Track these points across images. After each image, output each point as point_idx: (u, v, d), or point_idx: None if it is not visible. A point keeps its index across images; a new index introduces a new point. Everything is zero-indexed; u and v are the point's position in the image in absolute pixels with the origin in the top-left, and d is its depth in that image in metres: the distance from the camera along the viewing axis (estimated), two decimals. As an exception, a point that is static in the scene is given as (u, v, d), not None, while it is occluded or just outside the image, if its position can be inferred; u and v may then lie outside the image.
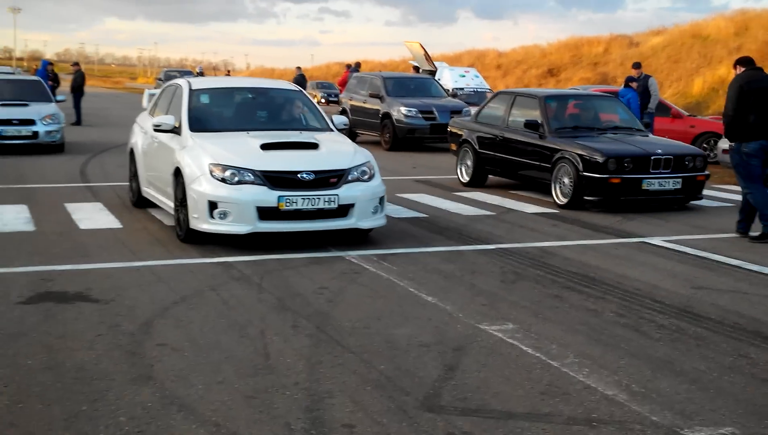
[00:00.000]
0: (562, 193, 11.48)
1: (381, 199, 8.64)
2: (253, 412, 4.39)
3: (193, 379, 4.83)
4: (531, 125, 12.15)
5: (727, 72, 37.94)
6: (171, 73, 51.11)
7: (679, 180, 11.22)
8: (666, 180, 11.16)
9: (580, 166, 11.12)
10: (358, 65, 25.34)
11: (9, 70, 32.21)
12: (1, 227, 9.29)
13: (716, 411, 4.51)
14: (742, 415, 4.47)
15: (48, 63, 27.10)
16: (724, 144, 14.61)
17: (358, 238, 8.75)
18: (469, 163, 13.67)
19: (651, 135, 13.04)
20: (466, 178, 13.72)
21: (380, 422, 4.29)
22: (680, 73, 40.70)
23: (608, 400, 4.64)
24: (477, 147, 13.43)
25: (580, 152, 11.23)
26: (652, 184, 11.12)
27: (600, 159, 10.97)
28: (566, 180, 11.37)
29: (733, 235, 9.64)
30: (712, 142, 17.31)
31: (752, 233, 9.50)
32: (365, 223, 8.48)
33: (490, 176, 13.58)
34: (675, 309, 6.53)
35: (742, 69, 9.71)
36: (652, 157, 11.14)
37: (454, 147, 14.33)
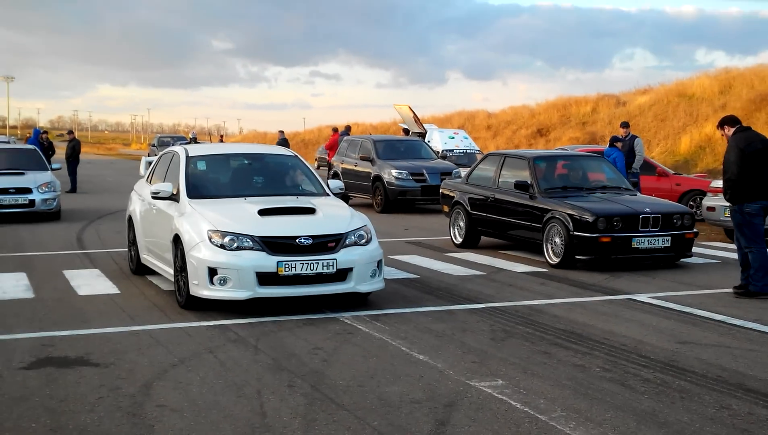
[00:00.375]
0: (554, 252, 11.63)
1: (379, 263, 8.81)
2: (252, 468, 4.55)
3: (192, 439, 5.00)
4: (521, 186, 12.39)
5: (713, 130, 38.49)
6: (164, 139, 51.74)
7: (668, 238, 11.40)
8: (655, 238, 11.34)
9: (571, 226, 11.31)
10: (348, 129, 25.77)
11: (4, 139, 32.59)
12: (1, 295, 9.46)
13: (697, 460, 4.69)
14: (721, 463, 4.65)
15: (40, 131, 27.48)
16: (708, 201, 14.93)
17: (356, 301, 8.91)
18: (461, 224, 13.85)
19: (639, 194, 13.28)
20: (459, 240, 13.88)
21: (374, 476, 4.46)
22: (667, 131, 41.26)
23: (593, 451, 4.81)
24: (469, 208, 13.63)
25: (570, 212, 11.44)
26: (642, 242, 11.30)
27: (590, 218, 11.17)
28: (557, 240, 11.54)
29: (719, 290, 9.87)
30: (698, 199, 17.62)
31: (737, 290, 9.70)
32: (364, 287, 8.64)
33: (483, 237, 13.76)
34: (660, 363, 6.72)
35: (731, 129, 9.92)
36: (641, 216, 11.34)
37: (446, 208, 14.51)
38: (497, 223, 13.04)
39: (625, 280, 10.59)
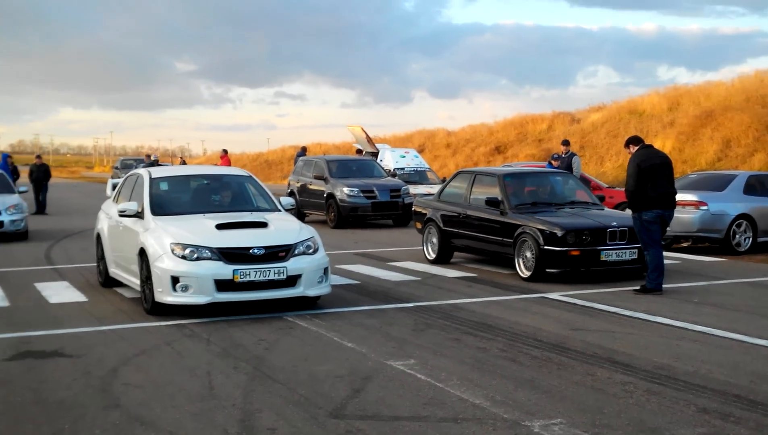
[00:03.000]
0: (525, 266, 11.99)
1: (325, 270, 9.92)
2: (199, 424, 5.71)
3: (152, 405, 6.15)
4: (492, 202, 12.75)
5: (662, 145, 40.14)
6: (127, 161, 52.49)
7: (635, 250, 11.67)
8: (623, 251, 11.70)
9: (541, 240, 11.64)
10: (304, 149, 27.02)
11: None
12: (-21, 303, 10.52)
13: (553, 410, 5.92)
14: (572, 412, 5.88)
15: (7, 156, 28.41)
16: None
17: (305, 304, 9.99)
18: (434, 240, 14.21)
19: (606, 208, 13.63)
20: (432, 256, 14.21)
21: (296, 426, 5.64)
22: (619, 147, 42.70)
23: (474, 406, 6.03)
24: (441, 225, 14.01)
25: (540, 227, 11.77)
26: (610, 255, 11.65)
27: (559, 233, 11.54)
28: (528, 254, 11.89)
29: (624, 289, 11.13)
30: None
31: (635, 287, 11.01)
32: (312, 292, 9.73)
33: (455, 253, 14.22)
34: (549, 345, 7.97)
35: (635, 147, 11.31)
36: (608, 230, 11.72)
37: (419, 226, 14.88)
38: (470, 238, 13.45)
39: (545, 284, 11.72)
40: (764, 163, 33.90)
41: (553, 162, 19.17)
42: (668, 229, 11.56)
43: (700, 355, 7.52)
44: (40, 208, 27.22)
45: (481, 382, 6.66)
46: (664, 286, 11.08)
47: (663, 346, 7.90)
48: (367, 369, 7.14)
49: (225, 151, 31.29)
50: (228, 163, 28.17)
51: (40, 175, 27.98)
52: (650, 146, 11.46)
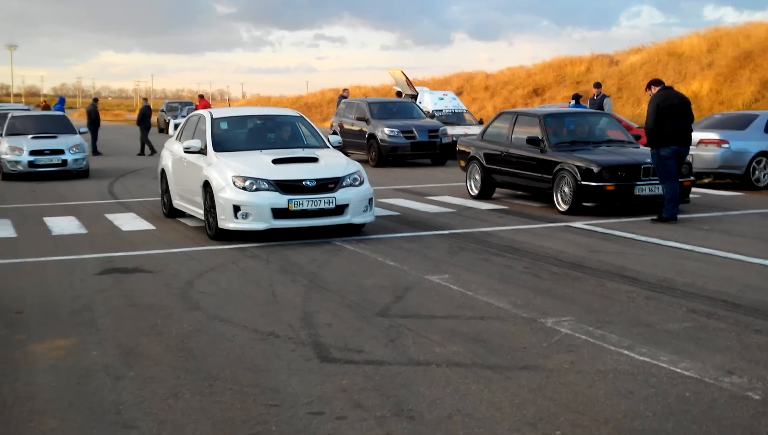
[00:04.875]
0: (563, 200, 12.74)
1: (370, 200, 11.02)
2: (268, 320, 6.88)
3: (226, 308, 7.34)
4: (532, 141, 13.50)
5: (700, 87, 40.54)
6: (173, 104, 53.85)
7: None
8: (656, 186, 12.25)
9: (578, 176, 12.38)
10: (346, 91, 28.03)
11: (24, 107, 34.73)
12: (61, 231, 11.80)
13: (565, 311, 7.00)
14: (581, 312, 6.96)
15: (65, 99, 29.88)
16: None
17: (352, 231, 11.07)
18: (477, 177, 15.01)
19: (640, 146, 14.19)
20: (475, 191, 15.04)
21: (348, 322, 6.79)
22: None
23: (499, 308, 7.14)
24: (484, 162, 14.78)
25: (578, 164, 12.50)
26: (644, 190, 12.35)
27: (596, 169, 12.26)
28: (566, 189, 12.63)
29: (643, 219, 12.09)
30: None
31: (653, 217, 11.98)
32: (358, 219, 10.84)
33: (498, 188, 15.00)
34: (568, 263, 9.03)
35: (657, 88, 12.21)
36: (642, 166, 12.36)
37: (462, 163, 15.67)
38: (511, 175, 14.24)
39: (571, 215, 12.72)
40: (801, 104, 34.25)
41: (579, 100, 20.11)
42: (692, 166, 12.28)
43: (699, 270, 8.54)
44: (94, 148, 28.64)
45: (505, 291, 7.75)
46: (680, 216, 12.04)
47: (668, 264, 8.92)
48: (408, 282, 8.26)
49: (201, 96, 33.91)
50: (206, 106, 30.60)
51: (97, 117, 29.47)
52: (670, 88, 12.33)
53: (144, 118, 29.38)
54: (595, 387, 5.17)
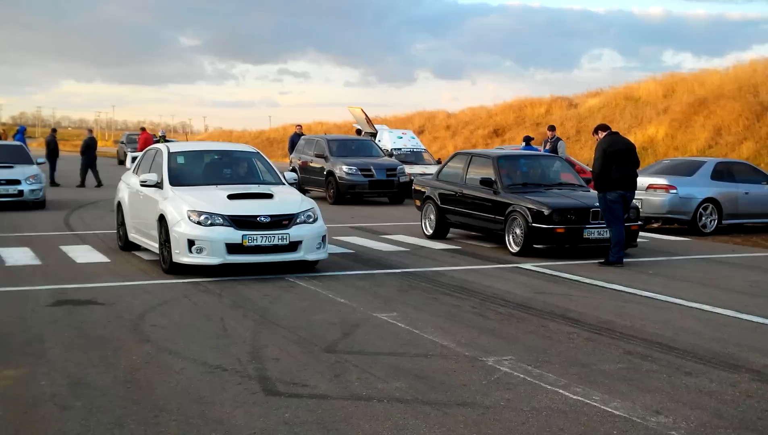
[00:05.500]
0: (514, 242, 13.02)
1: (323, 237, 11.22)
2: (217, 354, 7.02)
3: (176, 341, 7.46)
4: (486, 182, 13.83)
5: (655, 131, 41.42)
6: (132, 136, 53.65)
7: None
8: (605, 229, 12.53)
9: (530, 218, 12.67)
10: (299, 128, 28.33)
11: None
12: (15, 262, 11.83)
13: (506, 350, 7.23)
14: (521, 352, 7.19)
15: (25, 128, 29.82)
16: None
17: (305, 268, 11.23)
18: (432, 217, 15.26)
19: (591, 190, 14.26)
20: (429, 231, 15.27)
21: (296, 357, 6.95)
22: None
23: (443, 346, 7.34)
24: (439, 202, 15.05)
25: (529, 206, 12.79)
26: (593, 233, 12.68)
27: (546, 211, 12.58)
28: (518, 231, 12.92)
29: (590, 262, 12.41)
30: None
31: (600, 260, 12.30)
32: (311, 256, 11.03)
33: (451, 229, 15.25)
34: (514, 304, 9.27)
35: (603, 133, 12.62)
36: (591, 210, 12.68)
37: (418, 203, 15.91)
38: (464, 216, 14.49)
39: (521, 257, 13.02)
40: (753, 151, 35.12)
41: (531, 143, 20.72)
42: (640, 210, 12.60)
43: (639, 313, 8.84)
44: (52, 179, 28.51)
45: (451, 330, 7.96)
46: (627, 259, 12.38)
47: (611, 306, 9.21)
48: (356, 319, 8.44)
49: (143, 129, 34.49)
50: (147, 138, 30.85)
51: (56, 147, 29.41)
52: (616, 133, 12.75)
53: (88, 148, 29.08)
54: (528, 424, 5.38)
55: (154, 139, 29.90)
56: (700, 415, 5.58)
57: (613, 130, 12.96)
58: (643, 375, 6.54)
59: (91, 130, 31.17)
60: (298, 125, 28.70)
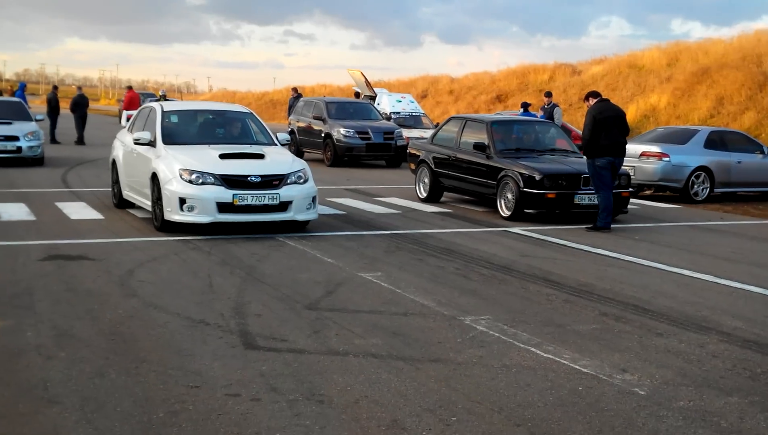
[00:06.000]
0: (506, 206, 13.09)
1: (314, 198, 11.34)
2: (200, 309, 7.18)
3: (162, 296, 7.62)
4: (479, 147, 13.91)
5: (658, 100, 41.37)
6: (134, 95, 53.63)
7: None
8: (595, 196, 12.46)
9: (521, 183, 12.72)
10: (295, 90, 28.51)
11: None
12: (9, 217, 11.98)
13: (485, 310, 7.39)
14: (499, 312, 7.35)
15: (25, 85, 29.86)
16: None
17: (296, 228, 11.38)
18: (426, 180, 15.40)
19: (584, 156, 13.92)
20: (423, 194, 15.42)
21: (277, 313, 7.12)
22: (616, 100, 43.70)
23: (422, 305, 7.50)
24: (433, 166, 15.17)
25: (521, 171, 12.84)
26: (583, 199, 12.70)
27: (538, 177, 12.62)
28: (509, 195, 12.98)
29: (578, 227, 12.53)
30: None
31: (588, 225, 12.43)
32: (301, 216, 11.16)
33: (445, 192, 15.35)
34: (498, 266, 9.42)
35: (594, 100, 12.69)
36: (583, 176, 12.68)
37: (412, 166, 16.05)
38: (457, 180, 14.57)
39: (512, 221, 13.15)
40: (755, 121, 35.10)
41: (529, 109, 20.74)
42: (633, 177, 12.71)
43: (620, 277, 8.99)
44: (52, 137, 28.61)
45: (432, 290, 8.12)
46: (617, 225, 12.51)
47: (593, 270, 9.36)
48: (341, 278, 8.60)
49: (129, 87, 34.46)
50: (133, 96, 31.19)
51: (57, 105, 29.60)
52: (607, 100, 12.82)
53: (76, 106, 29.21)
54: (496, 380, 5.55)
55: (154, 99, 29.96)
56: (665, 374, 5.74)
57: (611, 98, 13.05)
58: (615, 335, 6.69)
59: (80, 88, 31.19)
60: (294, 88, 28.81)
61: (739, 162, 17.03)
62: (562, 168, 13.10)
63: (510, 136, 14.63)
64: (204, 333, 6.48)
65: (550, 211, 12.86)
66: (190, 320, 6.83)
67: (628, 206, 13.60)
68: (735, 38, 45.03)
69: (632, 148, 16.38)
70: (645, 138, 17.95)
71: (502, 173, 13.28)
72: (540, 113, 22.11)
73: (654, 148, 16.65)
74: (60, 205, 13.38)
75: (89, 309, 7.11)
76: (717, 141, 17.12)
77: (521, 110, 22.25)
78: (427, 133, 23.24)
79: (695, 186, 16.60)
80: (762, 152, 17.58)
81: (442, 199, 15.41)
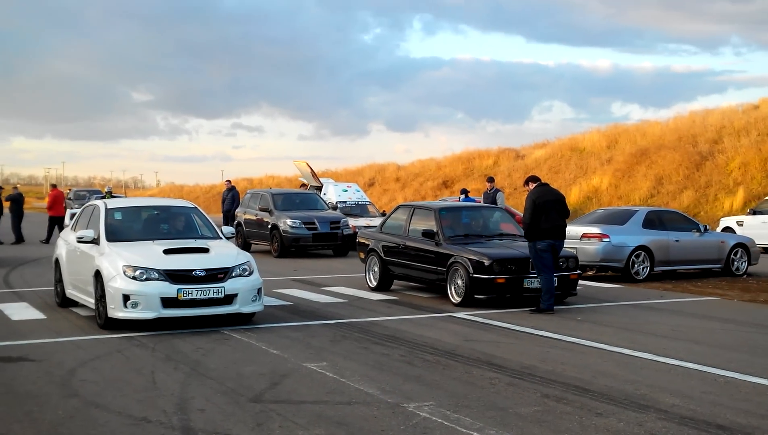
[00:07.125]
0: (456, 292, 13.15)
1: (259, 290, 11.38)
2: (143, 407, 7.13)
3: (104, 395, 7.55)
4: (428, 234, 14.09)
5: (599, 181, 42.31)
6: (80, 192, 53.28)
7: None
8: None
9: (471, 269, 12.82)
10: (228, 182, 29.29)
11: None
12: (-51, 320, 11.78)
13: (428, 396, 7.44)
14: (442, 398, 7.40)
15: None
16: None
17: (242, 320, 11.38)
18: (375, 269, 15.36)
19: None
20: (374, 283, 15.37)
21: (221, 408, 7.09)
22: (560, 183, 44.72)
23: (367, 394, 7.53)
24: (382, 255, 15.17)
25: (470, 257, 12.95)
26: (533, 282, 12.81)
27: (487, 262, 12.73)
28: (459, 281, 13.05)
29: (522, 310, 12.70)
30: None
31: (533, 308, 12.60)
32: (247, 309, 11.18)
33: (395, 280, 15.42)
34: (442, 351, 9.50)
35: (534, 184, 13.01)
36: (531, 260, 12.81)
37: (362, 255, 15.98)
38: (407, 268, 14.67)
39: (456, 306, 13.28)
40: (693, 199, 36.07)
41: (468, 194, 21.28)
42: (577, 259, 12.89)
43: (562, 358, 9.12)
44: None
45: (377, 378, 8.16)
46: (563, 306, 12.70)
47: (536, 352, 9.48)
48: (286, 369, 8.60)
49: (54, 186, 34.32)
50: (57, 195, 30.58)
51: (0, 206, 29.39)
52: (546, 184, 13.17)
53: (12, 204, 29.23)
54: (438, 465, 5.58)
55: (100, 196, 29.97)
56: (604, 453, 5.83)
57: (554, 180, 13.44)
58: (556, 417, 6.78)
59: (16, 187, 31.11)
60: (227, 180, 29.44)
61: (677, 240, 17.47)
62: (511, 252, 13.23)
63: (458, 223, 14.78)
64: (145, 431, 6.43)
65: (501, 295, 12.95)
66: (131, 418, 6.77)
67: (576, 288, 13.78)
68: (671, 120, 46.52)
69: (573, 229, 16.83)
70: (585, 219, 18.36)
71: (452, 259, 13.38)
72: (481, 199, 22.51)
73: (594, 230, 17.03)
74: (1, 306, 13.20)
75: (28, 411, 7.02)
76: (655, 220, 17.58)
77: (462, 196, 22.62)
78: (374, 222, 23.52)
79: (636, 265, 16.95)
80: (698, 230, 18.06)
81: (392, 287, 15.49)
